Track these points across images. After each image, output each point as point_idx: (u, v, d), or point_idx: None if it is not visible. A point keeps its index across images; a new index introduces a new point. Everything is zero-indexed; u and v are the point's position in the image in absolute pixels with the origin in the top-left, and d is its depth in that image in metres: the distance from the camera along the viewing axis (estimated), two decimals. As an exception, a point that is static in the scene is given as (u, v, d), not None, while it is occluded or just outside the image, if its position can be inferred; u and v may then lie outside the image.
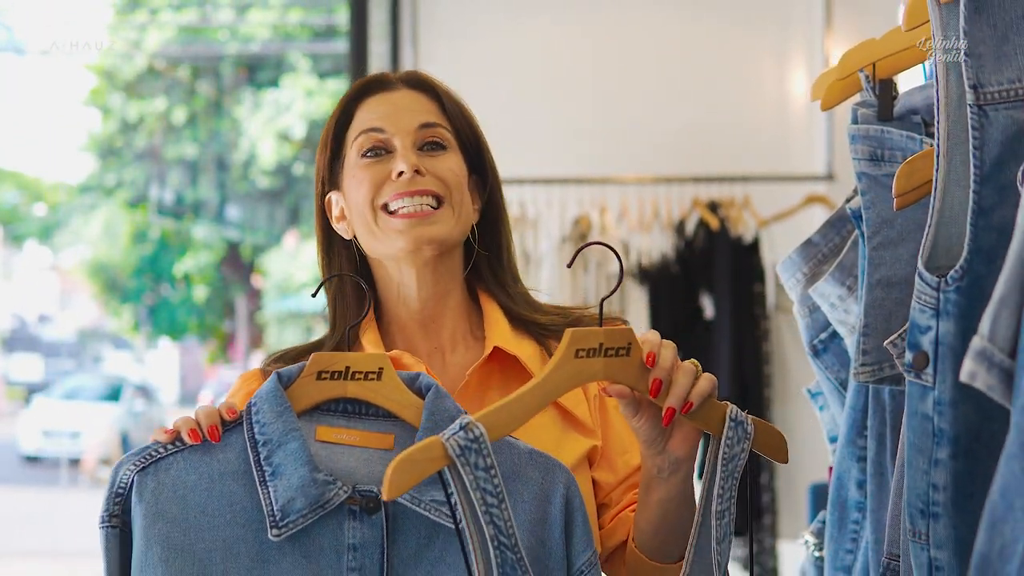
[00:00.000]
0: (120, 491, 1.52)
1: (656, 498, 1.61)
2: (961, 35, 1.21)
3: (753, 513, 4.65)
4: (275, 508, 1.48)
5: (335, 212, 1.81)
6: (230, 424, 1.54)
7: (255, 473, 1.50)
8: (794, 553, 4.69)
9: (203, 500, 1.51)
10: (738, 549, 4.83)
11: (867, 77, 1.70)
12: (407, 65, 5.25)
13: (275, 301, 20.72)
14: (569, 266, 1.80)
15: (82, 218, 23.87)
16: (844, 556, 1.79)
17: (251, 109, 19.98)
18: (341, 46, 19.01)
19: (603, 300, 1.58)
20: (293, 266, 20.21)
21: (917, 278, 1.22)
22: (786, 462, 1.58)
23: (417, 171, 1.70)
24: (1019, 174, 1.11)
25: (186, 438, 1.53)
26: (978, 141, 1.21)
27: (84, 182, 22.74)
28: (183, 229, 22.03)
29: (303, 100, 19.24)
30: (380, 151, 1.73)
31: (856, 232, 1.76)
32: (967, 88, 1.22)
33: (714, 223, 4.75)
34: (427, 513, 1.48)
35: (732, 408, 1.54)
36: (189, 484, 1.52)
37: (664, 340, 1.54)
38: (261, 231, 21.82)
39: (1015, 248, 1.02)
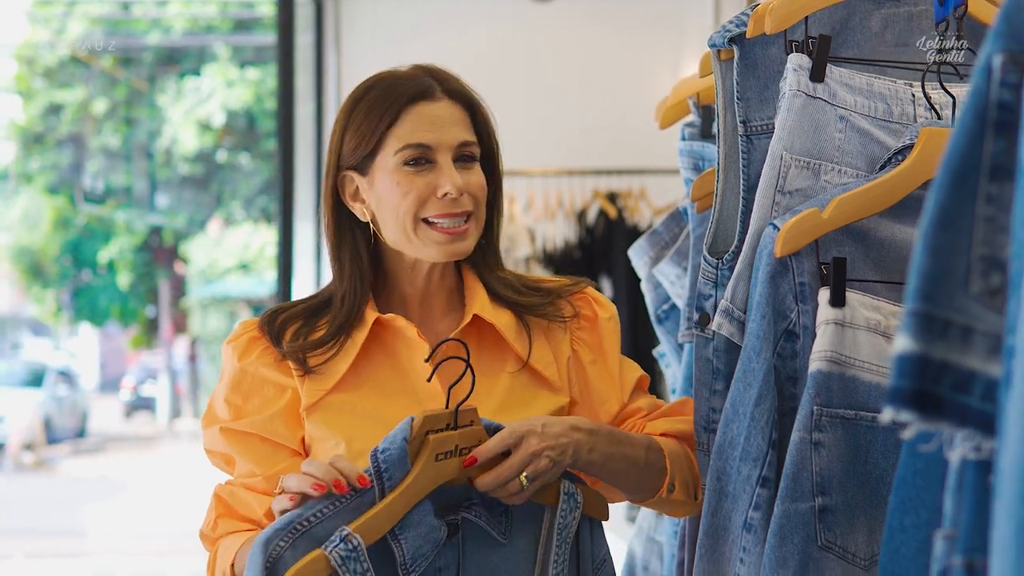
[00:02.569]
0: (269, 564, 1.58)
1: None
2: (734, 84, 1.67)
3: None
4: (407, 559, 1.64)
5: (349, 190, 1.92)
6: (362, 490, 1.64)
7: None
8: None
9: None
10: (637, 511, 5.26)
11: (695, 103, 2.15)
12: (330, 57, 5.59)
13: (199, 287, 20.92)
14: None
15: (1, 203, 23.85)
16: (680, 481, 2.24)
17: (173, 98, 20.14)
18: (261, 38, 19.23)
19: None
20: (217, 252, 20.43)
21: (702, 260, 1.68)
22: (607, 519, 1.81)
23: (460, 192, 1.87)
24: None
25: (313, 492, 1.62)
26: (746, 161, 1.67)
27: (4, 168, 22.72)
28: (106, 215, 22.12)
29: (224, 89, 19.46)
30: (422, 161, 1.86)
31: (690, 224, 2.21)
32: (738, 122, 1.67)
33: (613, 212, 5.09)
34: (489, 528, 1.71)
35: (565, 483, 1.73)
36: None
37: (514, 435, 1.71)
38: (184, 217, 21.98)
39: (749, 239, 1.47)
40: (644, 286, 2.34)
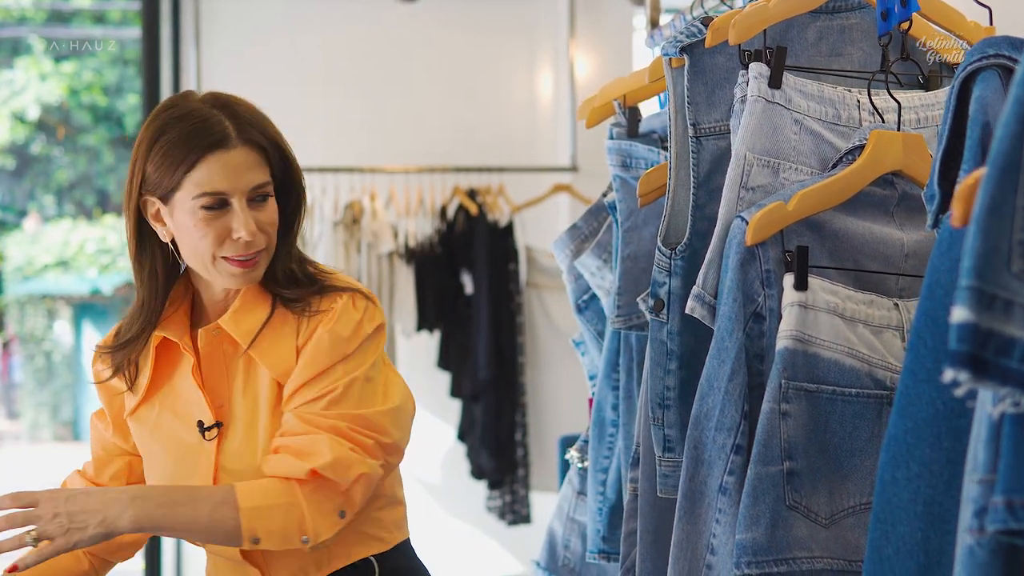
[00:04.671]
0: None
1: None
2: (684, 90, 1.81)
3: (509, 467, 5.24)
4: None
5: (151, 211, 2.03)
6: None
7: None
8: (544, 502, 5.20)
9: None
10: (496, 500, 5.38)
11: (620, 105, 2.28)
12: (189, 52, 5.56)
13: (16, 284, 20.30)
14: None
15: None
16: (603, 460, 2.37)
17: (-15, 90, 19.53)
18: (76, 31, 18.78)
19: None
20: (35, 249, 19.86)
21: (656, 251, 1.81)
22: None
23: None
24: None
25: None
26: (696, 160, 1.81)
27: None
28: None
29: (37, 83, 18.96)
30: (219, 206, 1.98)
31: (610, 219, 2.34)
32: (689, 125, 1.81)
33: (473, 208, 5.19)
34: None
35: None
36: None
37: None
38: (-4, 212, 21.30)
39: (718, 231, 1.61)
40: (565, 277, 2.46)
